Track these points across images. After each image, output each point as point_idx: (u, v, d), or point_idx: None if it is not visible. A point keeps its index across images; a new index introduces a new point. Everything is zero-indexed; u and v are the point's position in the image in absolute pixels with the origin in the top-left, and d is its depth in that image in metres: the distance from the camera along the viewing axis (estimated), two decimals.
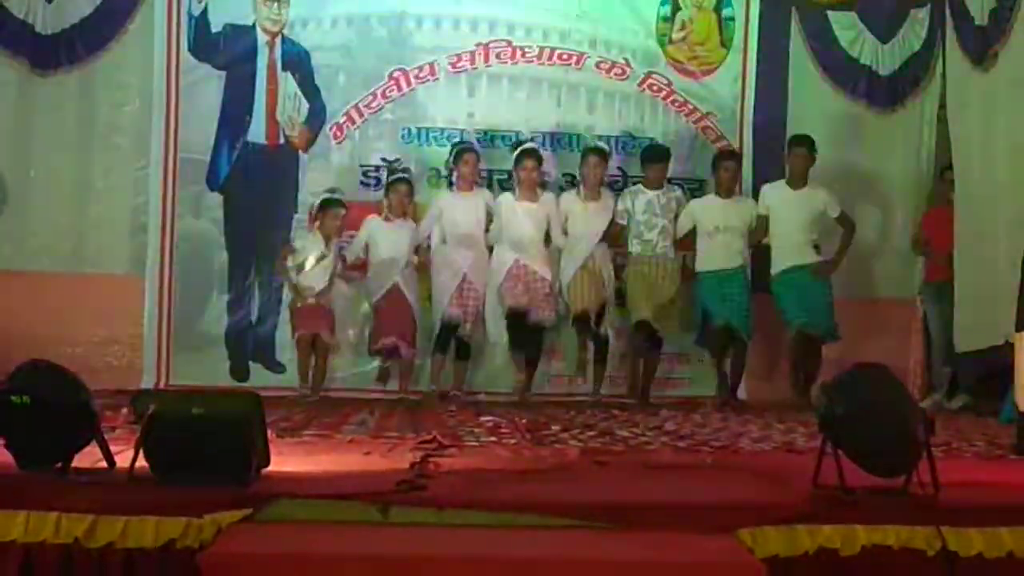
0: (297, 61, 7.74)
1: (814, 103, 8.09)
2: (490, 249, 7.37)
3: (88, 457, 3.70)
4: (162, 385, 7.34)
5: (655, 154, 7.48)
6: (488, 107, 7.78)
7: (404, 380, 7.37)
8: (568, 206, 7.39)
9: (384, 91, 7.76)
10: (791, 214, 7.35)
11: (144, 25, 7.61)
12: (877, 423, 3.52)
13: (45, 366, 3.65)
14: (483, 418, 5.99)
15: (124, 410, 5.23)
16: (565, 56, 7.88)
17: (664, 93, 7.92)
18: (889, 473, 3.58)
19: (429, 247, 7.38)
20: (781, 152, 7.60)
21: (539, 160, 7.34)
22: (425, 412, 6.41)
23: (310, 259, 7.15)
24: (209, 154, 7.59)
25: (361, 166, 7.64)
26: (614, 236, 7.43)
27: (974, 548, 3.41)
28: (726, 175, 7.45)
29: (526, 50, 7.85)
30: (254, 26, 7.70)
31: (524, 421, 5.89)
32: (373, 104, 7.74)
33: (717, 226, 7.34)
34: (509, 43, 7.84)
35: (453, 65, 7.81)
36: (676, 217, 7.39)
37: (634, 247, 7.37)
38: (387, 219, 7.29)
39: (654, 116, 7.90)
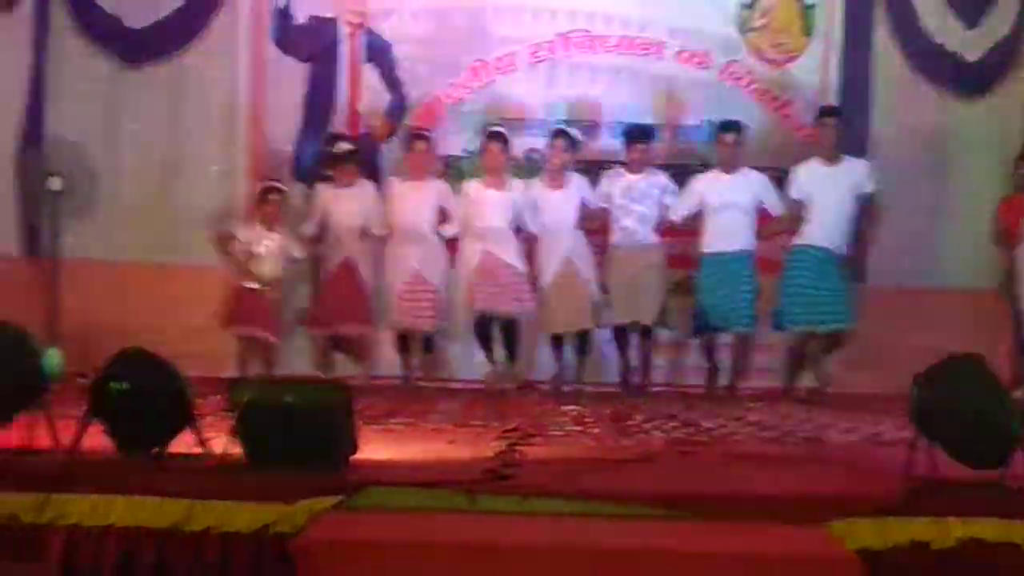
0: (379, 53, 7.78)
1: (898, 91, 7.91)
2: (447, 241, 7.12)
3: (183, 443, 3.78)
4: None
5: (636, 134, 7.14)
6: (567, 97, 7.72)
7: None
8: (536, 193, 7.08)
9: (464, 82, 7.80)
10: (826, 192, 6.86)
11: (230, 19, 7.69)
12: (972, 415, 3.47)
13: (142, 354, 3.74)
14: (566, 407, 5.99)
15: (213, 397, 5.34)
16: (645, 45, 7.83)
17: (745, 82, 7.83)
18: (984, 465, 3.53)
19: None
20: (865, 140, 7.46)
21: (505, 143, 7.08)
22: (509, 401, 6.44)
23: (260, 248, 7.10)
24: (294, 145, 7.69)
25: (440, 156, 7.64)
26: (595, 221, 7.16)
27: None
28: (723, 148, 7.03)
29: (606, 40, 7.83)
30: (337, 18, 7.78)
31: (608, 411, 5.88)
32: (453, 95, 7.77)
33: (723, 202, 6.96)
34: (588, 33, 7.81)
35: (533, 55, 7.81)
36: (660, 204, 7.05)
37: (615, 235, 7.06)
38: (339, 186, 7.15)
39: (734, 105, 7.78)
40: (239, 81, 7.69)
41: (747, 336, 7.10)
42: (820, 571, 3.14)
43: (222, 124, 7.71)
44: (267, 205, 7.17)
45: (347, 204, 7.14)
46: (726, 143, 7.09)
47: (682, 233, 7.48)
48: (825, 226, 6.88)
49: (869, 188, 6.97)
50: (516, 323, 7.10)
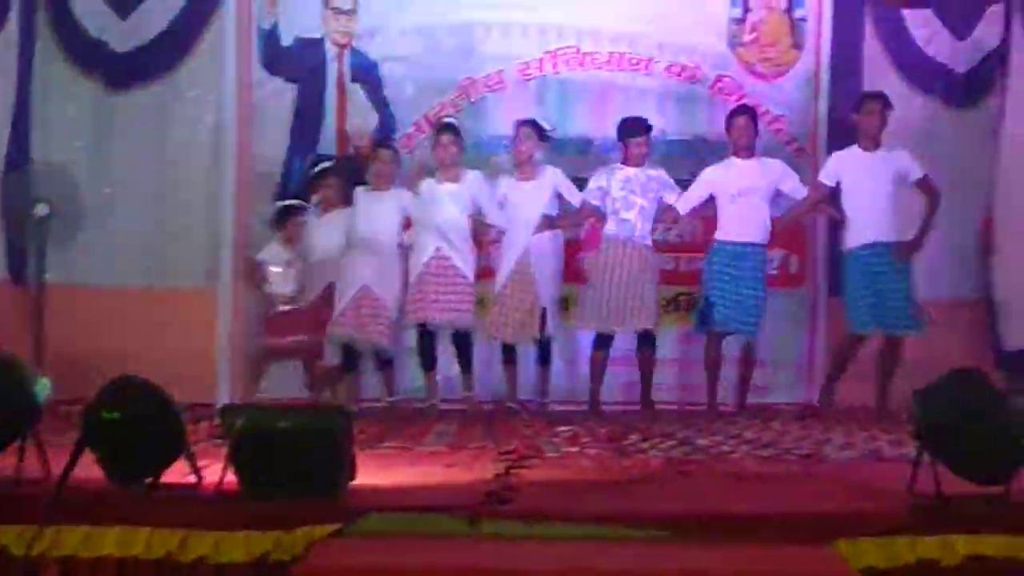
0: (366, 72, 7.77)
1: None
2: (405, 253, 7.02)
3: (176, 472, 3.72)
4: (237, 399, 7.37)
5: (634, 128, 6.98)
6: (557, 114, 7.68)
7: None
8: (504, 185, 7.01)
9: (453, 101, 7.76)
10: (867, 180, 6.67)
11: (215, 41, 7.69)
12: (976, 430, 3.43)
13: (135, 382, 3.67)
14: (560, 428, 5.93)
15: (202, 424, 5.28)
16: (634, 61, 7.82)
17: (735, 96, 7.82)
18: (989, 480, 3.49)
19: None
20: None
21: (457, 134, 6.98)
22: (501, 423, 6.38)
23: (275, 268, 7.18)
24: (281, 167, 7.65)
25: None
26: (577, 218, 7.11)
27: None
28: (738, 133, 6.92)
29: (595, 56, 7.81)
30: (323, 39, 7.75)
31: (604, 431, 5.83)
32: (443, 114, 7.71)
33: (740, 188, 6.80)
34: (578, 49, 7.81)
35: (522, 73, 7.80)
36: (659, 200, 6.95)
37: (610, 228, 6.92)
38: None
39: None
40: (226, 103, 7.68)
41: (752, 344, 6.97)
42: None
43: (209, 147, 7.69)
44: (290, 224, 7.18)
45: (328, 232, 7.10)
46: (740, 127, 6.96)
47: (682, 248, 7.49)
48: (871, 219, 6.68)
49: (918, 173, 6.78)
50: (468, 335, 6.97)
